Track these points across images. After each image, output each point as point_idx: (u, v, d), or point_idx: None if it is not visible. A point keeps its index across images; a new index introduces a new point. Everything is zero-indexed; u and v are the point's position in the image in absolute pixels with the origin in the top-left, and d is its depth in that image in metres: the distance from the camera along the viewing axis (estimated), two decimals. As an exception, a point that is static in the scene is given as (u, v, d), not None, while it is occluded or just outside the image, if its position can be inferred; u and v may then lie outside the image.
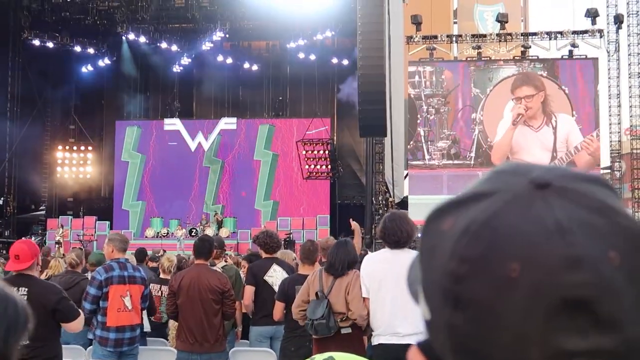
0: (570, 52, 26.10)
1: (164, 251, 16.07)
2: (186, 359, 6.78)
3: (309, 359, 4.42)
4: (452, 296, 0.65)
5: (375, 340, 5.99)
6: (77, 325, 5.65)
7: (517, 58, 26.73)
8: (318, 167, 28.29)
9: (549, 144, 25.81)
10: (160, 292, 8.69)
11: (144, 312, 7.47)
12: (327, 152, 28.06)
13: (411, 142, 26.43)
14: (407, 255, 6.02)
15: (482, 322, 0.64)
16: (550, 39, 26.30)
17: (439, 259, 0.67)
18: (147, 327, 7.96)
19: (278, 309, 6.94)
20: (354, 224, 8.43)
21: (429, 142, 26.20)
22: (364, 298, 6.07)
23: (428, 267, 0.69)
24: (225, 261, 9.32)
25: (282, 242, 9.46)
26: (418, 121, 26.27)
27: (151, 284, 8.62)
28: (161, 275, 9.00)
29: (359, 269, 6.39)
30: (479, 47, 26.79)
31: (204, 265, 7.25)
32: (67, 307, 5.53)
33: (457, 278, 0.65)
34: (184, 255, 12.42)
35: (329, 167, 28.27)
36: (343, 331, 6.10)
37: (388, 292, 5.95)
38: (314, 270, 6.55)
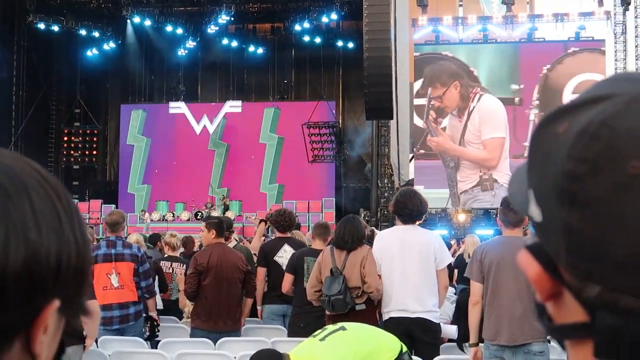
0: (577, 34, 26.02)
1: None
2: (203, 337, 6.81)
3: (321, 330, 4.44)
4: (569, 195, 0.65)
5: (385, 315, 6.04)
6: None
7: (524, 40, 26.64)
8: (323, 150, 28.29)
9: (457, 135, 25.65)
10: (171, 269, 8.73)
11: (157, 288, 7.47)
12: (332, 135, 28.05)
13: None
14: (418, 233, 6.09)
15: (600, 220, 0.63)
16: (556, 21, 26.20)
17: (554, 162, 0.67)
18: (160, 305, 8.01)
19: (287, 281, 6.99)
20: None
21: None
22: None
23: (541, 171, 0.69)
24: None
25: (297, 220, 9.47)
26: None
27: (161, 262, 8.67)
28: (169, 253, 9.00)
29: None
30: (484, 30, 26.72)
31: (226, 245, 7.31)
32: None
33: (575, 177, 0.65)
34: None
35: (335, 150, 28.27)
36: (357, 307, 6.12)
37: (398, 268, 6.00)
38: (324, 249, 6.57)
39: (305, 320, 6.74)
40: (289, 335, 6.97)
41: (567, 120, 0.68)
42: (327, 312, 6.14)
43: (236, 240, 9.04)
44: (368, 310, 6.13)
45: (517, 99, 25.94)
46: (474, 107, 25.33)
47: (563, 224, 0.66)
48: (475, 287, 5.57)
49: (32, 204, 0.71)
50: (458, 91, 25.44)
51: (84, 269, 0.76)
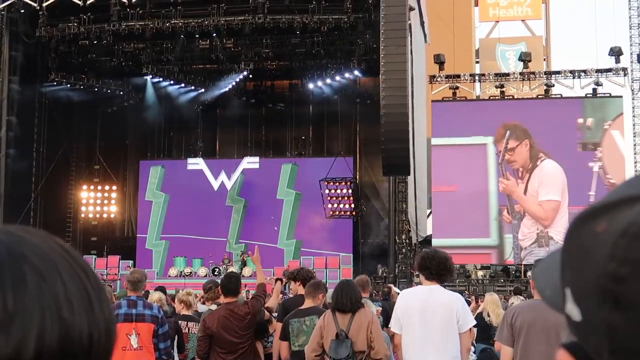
0: (594, 90, 26.06)
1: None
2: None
3: None
4: (612, 297, 0.65)
5: (408, 375, 5.93)
6: None
7: (541, 96, 26.71)
8: (341, 206, 28.27)
9: (521, 194, 25.91)
10: (187, 328, 8.61)
11: (174, 349, 7.35)
12: (350, 190, 28.06)
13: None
14: (440, 293, 5.99)
15: None
16: (573, 78, 26.29)
17: (593, 260, 0.67)
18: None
19: (283, 348, 6.84)
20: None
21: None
22: (394, 333, 6.03)
23: (580, 269, 0.70)
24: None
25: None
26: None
27: (180, 322, 8.56)
28: (183, 311, 8.87)
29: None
30: (502, 86, 26.83)
31: (234, 304, 7.09)
32: None
33: (618, 279, 0.65)
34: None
35: (352, 205, 28.24)
36: None
37: (420, 329, 5.91)
38: (324, 313, 6.43)
39: None
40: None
41: (605, 220, 0.68)
42: None
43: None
44: None
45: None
46: (535, 170, 25.67)
47: (606, 325, 0.66)
48: (506, 351, 5.50)
49: (64, 283, 0.73)
50: (527, 149, 25.78)
51: (111, 347, 0.76)
